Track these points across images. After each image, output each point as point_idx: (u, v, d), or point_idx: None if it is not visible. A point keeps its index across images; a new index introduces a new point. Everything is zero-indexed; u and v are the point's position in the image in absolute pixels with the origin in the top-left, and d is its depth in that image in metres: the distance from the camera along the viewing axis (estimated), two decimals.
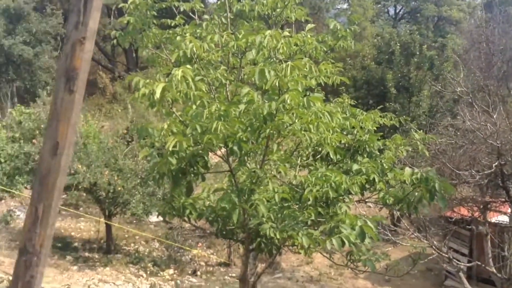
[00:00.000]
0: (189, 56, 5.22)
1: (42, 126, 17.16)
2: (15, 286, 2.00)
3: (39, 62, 27.36)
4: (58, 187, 1.99)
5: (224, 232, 6.23)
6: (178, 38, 6.21)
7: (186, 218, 6.13)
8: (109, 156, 15.06)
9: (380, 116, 7.05)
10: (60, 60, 2.03)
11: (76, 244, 15.88)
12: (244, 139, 4.96)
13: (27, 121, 18.61)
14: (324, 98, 5.69)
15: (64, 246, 15.33)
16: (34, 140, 16.58)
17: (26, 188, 18.42)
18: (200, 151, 4.87)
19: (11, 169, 16.97)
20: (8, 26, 25.94)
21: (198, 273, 14.22)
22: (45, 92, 20.46)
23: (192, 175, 5.13)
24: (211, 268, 14.78)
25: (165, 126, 4.56)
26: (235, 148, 4.89)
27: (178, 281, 12.61)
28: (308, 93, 5.65)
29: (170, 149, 4.38)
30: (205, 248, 16.08)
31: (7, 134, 21.72)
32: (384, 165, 6.06)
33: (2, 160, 19.95)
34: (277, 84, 4.74)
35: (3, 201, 19.39)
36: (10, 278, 8.60)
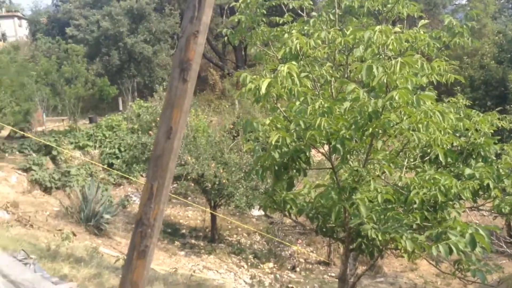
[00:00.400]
0: (294, 52, 5.26)
1: (158, 119, 18.33)
2: (131, 254, 2.22)
3: (157, 59, 29.35)
4: (171, 168, 2.18)
5: (324, 230, 6.21)
6: (285, 35, 6.30)
7: (286, 213, 6.20)
8: (216, 150, 15.72)
9: (498, 119, 6.54)
10: (176, 52, 2.19)
11: (183, 231, 16.81)
12: (348, 136, 4.89)
13: (145, 114, 19.99)
14: (436, 97, 5.41)
15: (173, 232, 16.31)
16: (150, 132, 17.82)
17: (142, 176, 19.93)
18: (303, 147, 4.89)
19: (129, 158, 18.46)
20: (131, 25, 28.11)
21: (297, 269, 14.29)
22: (162, 87, 21.84)
23: (294, 170, 5.17)
24: (310, 266, 14.78)
25: (267, 121, 4.66)
26: (338, 145, 4.84)
27: (278, 275, 12.79)
28: (418, 92, 5.40)
29: (273, 143, 4.47)
30: (305, 245, 16.12)
31: (127, 125, 23.70)
32: (501, 170, 5.61)
33: (122, 149, 21.83)
34: (385, 81, 4.60)
35: (121, 186, 21.16)
36: (123, 257, 9.33)
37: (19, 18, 49.21)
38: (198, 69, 2.11)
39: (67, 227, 14.17)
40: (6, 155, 19.77)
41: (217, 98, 30.45)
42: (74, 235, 13.27)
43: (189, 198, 18.82)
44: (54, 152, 20.13)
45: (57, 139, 21.03)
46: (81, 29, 28.24)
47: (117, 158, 21.68)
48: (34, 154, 20.03)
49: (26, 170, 18.74)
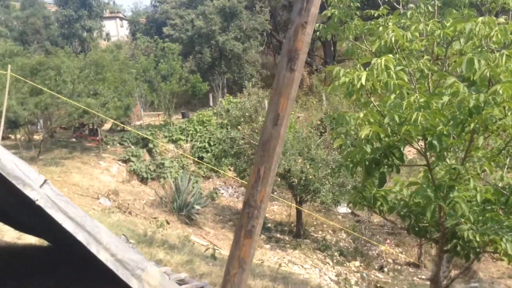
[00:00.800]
0: (390, 46, 5.14)
1: (246, 114, 18.74)
2: (238, 233, 2.36)
3: (246, 56, 29.97)
4: (277, 152, 2.27)
5: (416, 229, 5.99)
6: (380, 28, 6.17)
7: (376, 210, 6.08)
8: (303, 145, 15.75)
9: None
10: (284, 43, 2.28)
11: (269, 225, 17.07)
12: (445, 132, 4.69)
13: (233, 109, 20.52)
14: None
15: None
16: (239, 127, 18.27)
17: (229, 169, 20.53)
18: (396, 142, 4.77)
19: (219, 152, 19.12)
20: (223, 24, 28.95)
21: (385, 269, 13.93)
22: (250, 83, 22.28)
23: (386, 166, 5.05)
24: (399, 267, 14.34)
25: (361, 115, 4.61)
26: (435, 142, 4.65)
27: (364, 274, 12.57)
28: None
29: (363, 137, 4.42)
30: (393, 245, 15.66)
31: (217, 120, 24.51)
32: None
33: (212, 143, 22.64)
34: (487, 74, 4.36)
35: (210, 179, 21.96)
36: (215, 246, 9.71)
37: (121, 19, 52.72)
38: (305, 58, 2.20)
39: (161, 216, 15.03)
40: (108, 146, 21.34)
41: (304, 94, 30.43)
42: (168, 223, 14.05)
43: (275, 192, 19.04)
44: (150, 145, 21.40)
45: (153, 133, 22.32)
46: (177, 28, 29.58)
47: (207, 152, 22.52)
48: (132, 146, 21.43)
49: (125, 161, 20.11)
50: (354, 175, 5.56)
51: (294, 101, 2.24)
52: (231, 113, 20.89)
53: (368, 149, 4.66)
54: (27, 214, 4.69)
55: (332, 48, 35.02)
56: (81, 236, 3.48)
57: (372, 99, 4.89)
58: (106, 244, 3.56)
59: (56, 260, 7.19)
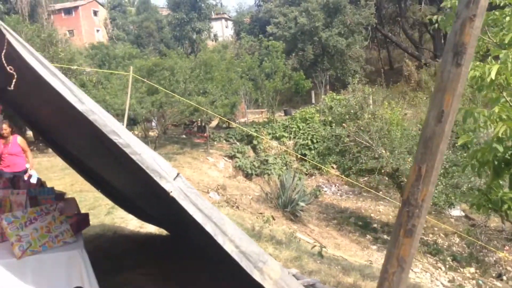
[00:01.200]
0: None
1: (351, 111, 18.40)
2: (397, 231, 2.35)
3: (350, 52, 29.44)
4: (441, 150, 2.22)
5: None
6: (507, 18, 5.72)
7: (503, 214, 5.65)
8: (412, 144, 15.11)
9: None
10: (449, 37, 2.21)
11: (375, 225, 16.63)
12: None
13: (337, 106, 20.26)
14: None
15: (364, 225, 16.28)
16: (344, 124, 18.00)
17: (332, 167, 20.33)
18: None
19: (323, 149, 19.01)
20: (326, 19, 28.71)
21: (504, 277, 12.88)
22: (355, 80, 21.84)
23: None
24: None
25: (496, 110, 4.29)
26: None
27: (481, 282, 11.74)
28: None
29: (500, 135, 4.11)
30: None
31: (319, 117, 24.38)
32: None
33: (315, 141, 22.58)
34: None
35: (313, 177, 21.93)
36: (321, 244, 9.65)
37: (226, 19, 54.60)
38: (473, 52, 2.12)
39: (267, 211, 15.30)
40: (215, 143, 22.23)
41: (412, 90, 29.10)
42: (273, 219, 14.26)
43: (381, 192, 18.50)
44: (255, 142, 21.91)
45: (257, 130, 22.83)
46: (280, 27, 29.94)
47: (310, 149, 22.52)
48: (237, 143, 22.11)
49: (231, 157, 20.80)
50: (481, 176, 5.18)
51: (460, 97, 2.16)
52: (334, 110, 20.65)
53: (500, 148, 4.33)
54: (162, 206, 5.04)
55: (442, 41, 33.12)
56: (209, 227, 3.63)
57: (505, 94, 4.54)
58: (230, 236, 3.70)
59: (176, 249, 7.65)
